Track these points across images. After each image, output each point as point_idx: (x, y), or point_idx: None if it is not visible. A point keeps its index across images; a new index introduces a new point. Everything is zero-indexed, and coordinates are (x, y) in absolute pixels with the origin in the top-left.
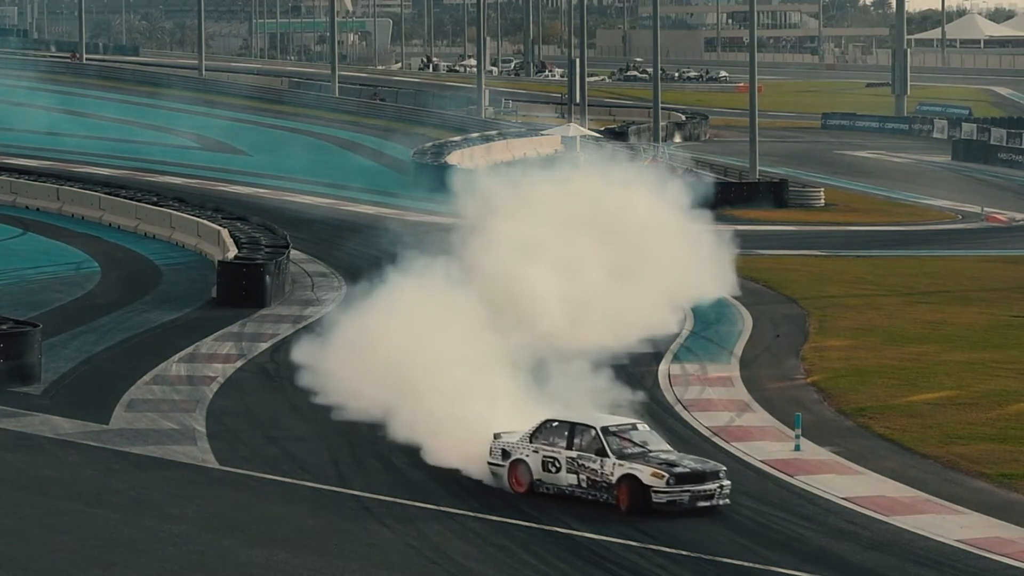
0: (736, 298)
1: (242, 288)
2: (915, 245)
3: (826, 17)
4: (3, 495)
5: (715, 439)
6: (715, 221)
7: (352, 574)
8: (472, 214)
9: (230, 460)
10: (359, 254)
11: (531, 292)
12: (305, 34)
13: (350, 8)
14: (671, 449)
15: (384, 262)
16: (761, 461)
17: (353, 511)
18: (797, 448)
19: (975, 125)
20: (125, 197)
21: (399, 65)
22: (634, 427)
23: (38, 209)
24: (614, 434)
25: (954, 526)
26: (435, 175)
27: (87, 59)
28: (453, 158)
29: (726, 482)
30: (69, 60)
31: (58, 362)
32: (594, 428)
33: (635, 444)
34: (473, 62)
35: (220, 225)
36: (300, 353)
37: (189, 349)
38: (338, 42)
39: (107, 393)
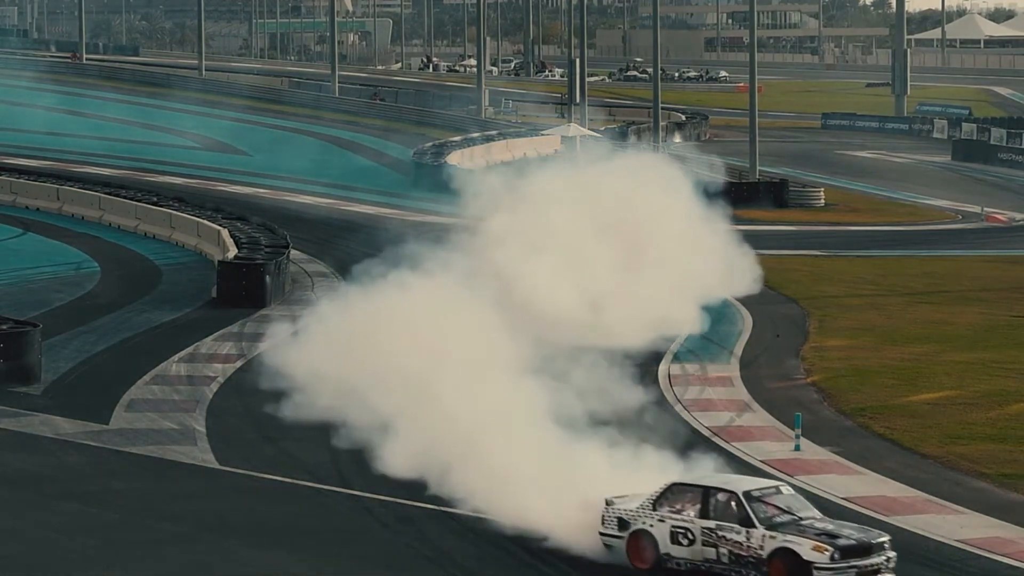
0: (736, 298)
1: (242, 288)
2: (915, 245)
3: (826, 17)
4: (3, 495)
5: (715, 439)
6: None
7: (352, 574)
8: (477, 213)
9: (230, 460)
10: (359, 254)
11: (539, 289)
12: (305, 34)
13: (350, 8)
14: (821, 515)
15: (386, 262)
16: (761, 461)
17: (353, 511)
18: (797, 448)
19: (975, 125)
20: (125, 197)
21: (399, 65)
22: (778, 490)
23: (38, 209)
24: (758, 499)
25: (954, 526)
26: (435, 175)
27: (87, 59)
28: (453, 158)
29: (891, 553)
30: (69, 60)
31: (58, 362)
32: (735, 493)
33: (782, 510)
34: (473, 62)
35: (220, 225)
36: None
37: (189, 349)
38: (338, 42)
39: (107, 393)
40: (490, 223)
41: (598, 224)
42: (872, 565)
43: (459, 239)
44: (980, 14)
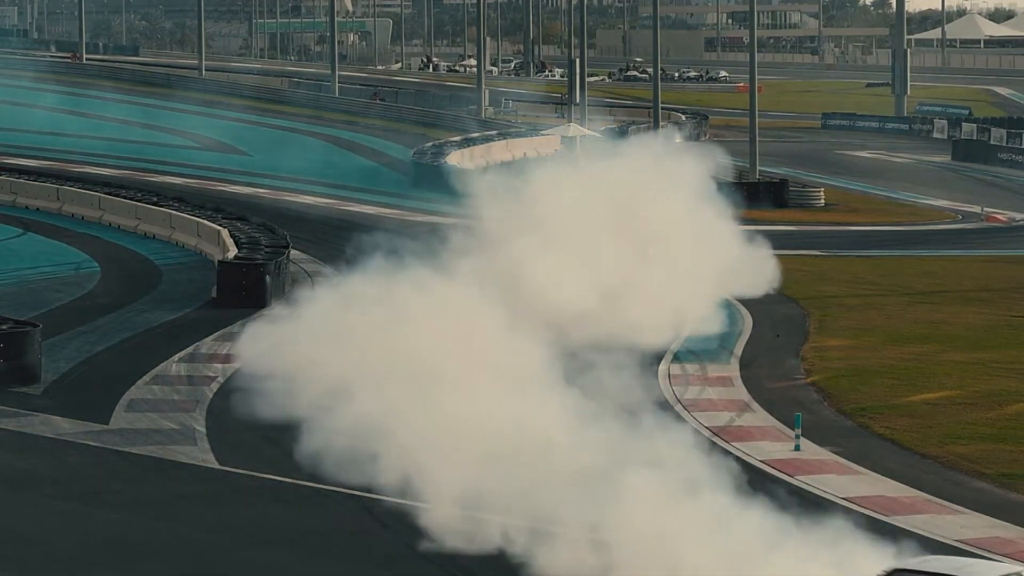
0: (737, 298)
1: (242, 288)
2: (915, 245)
3: (826, 17)
4: (3, 495)
5: (715, 439)
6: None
7: (352, 574)
8: (477, 212)
9: (230, 460)
10: (357, 253)
11: (545, 288)
12: (305, 34)
13: (350, 8)
14: None
15: (384, 259)
16: (761, 461)
17: (353, 511)
18: (797, 448)
19: (975, 125)
20: (125, 197)
21: (399, 65)
22: None
23: (38, 209)
24: None
25: (954, 526)
26: (435, 175)
27: (87, 59)
28: (453, 158)
29: None
30: (69, 60)
31: (58, 362)
32: None
33: None
34: (473, 62)
35: (220, 225)
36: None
37: (189, 349)
38: (338, 42)
39: (107, 393)
40: (491, 222)
41: (607, 221)
42: None
43: (459, 238)
44: (980, 14)
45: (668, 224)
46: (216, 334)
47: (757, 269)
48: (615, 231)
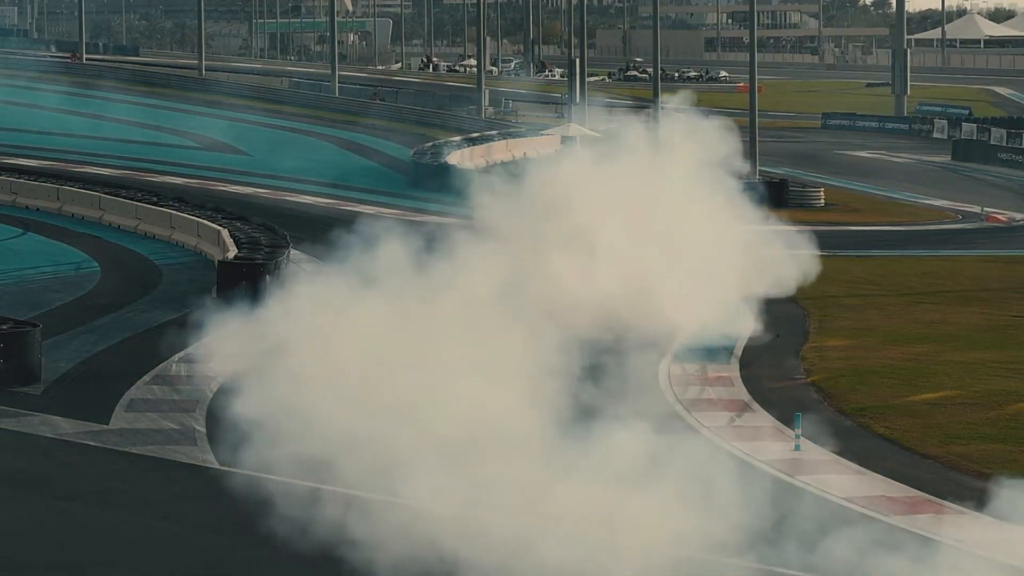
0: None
1: (242, 288)
2: (915, 245)
3: (826, 17)
4: (3, 495)
5: (715, 439)
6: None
7: (352, 574)
8: (476, 211)
9: (230, 460)
10: (357, 252)
11: (546, 284)
12: (305, 34)
13: (350, 8)
14: None
15: (383, 259)
16: (761, 461)
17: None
18: (797, 448)
19: (975, 125)
20: (125, 197)
21: (399, 65)
22: None
23: (38, 209)
24: None
25: (954, 526)
26: (435, 175)
27: (87, 59)
28: (453, 158)
29: None
30: (69, 60)
31: (58, 362)
32: None
33: None
34: (473, 62)
35: (220, 225)
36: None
37: (189, 349)
38: (338, 42)
39: (107, 393)
40: (490, 222)
41: (612, 217)
42: None
43: (459, 237)
44: (980, 14)
45: (683, 221)
46: (216, 334)
47: (772, 267)
48: (620, 228)
